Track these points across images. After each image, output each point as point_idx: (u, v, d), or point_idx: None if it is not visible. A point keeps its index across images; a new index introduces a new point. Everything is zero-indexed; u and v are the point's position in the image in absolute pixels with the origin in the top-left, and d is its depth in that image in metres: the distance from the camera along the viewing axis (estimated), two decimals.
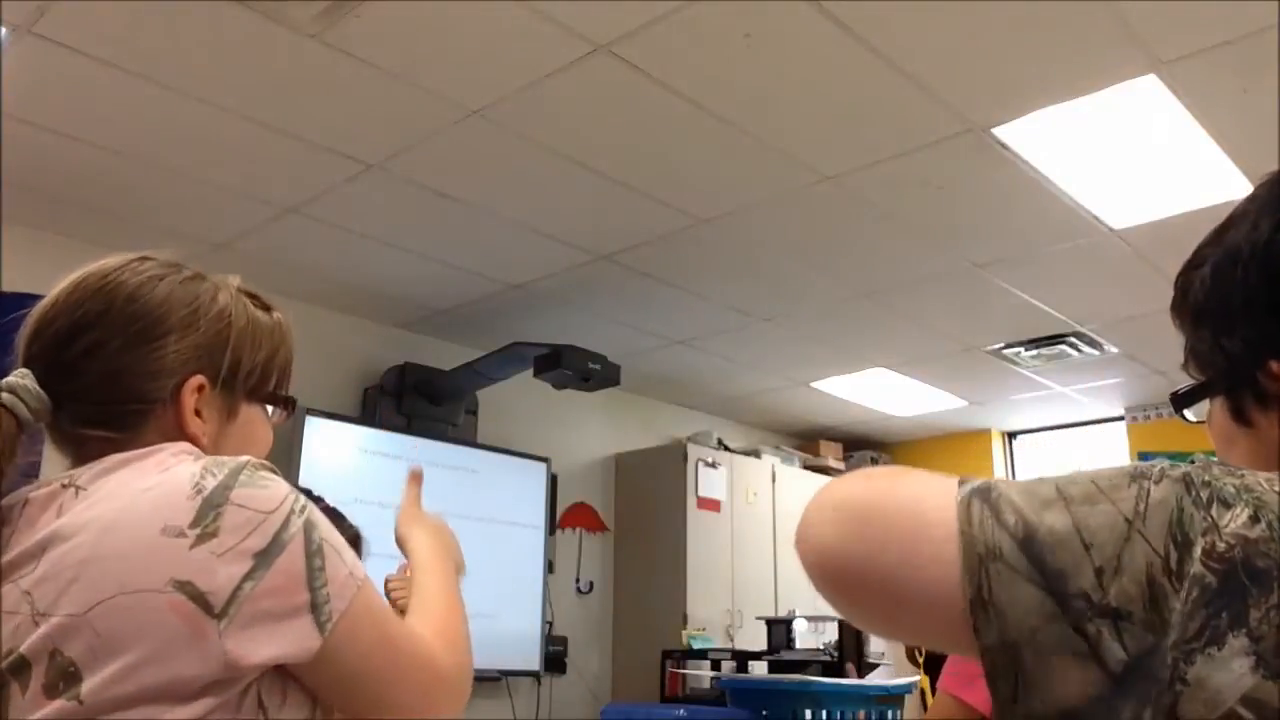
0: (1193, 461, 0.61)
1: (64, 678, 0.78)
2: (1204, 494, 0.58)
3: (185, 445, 0.92)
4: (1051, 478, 0.62)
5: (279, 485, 0.88)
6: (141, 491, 0.84)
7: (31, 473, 0.92)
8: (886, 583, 0.62)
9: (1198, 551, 0.55)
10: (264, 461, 0.90)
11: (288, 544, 0.83)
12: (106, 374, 0.93)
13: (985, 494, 0.61)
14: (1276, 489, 0.58)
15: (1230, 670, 0.53)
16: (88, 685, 0.78)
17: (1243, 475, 0.59)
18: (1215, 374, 0.74)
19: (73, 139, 3.45)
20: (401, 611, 2.01)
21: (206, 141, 3.48)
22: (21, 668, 0.80)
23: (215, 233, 4.16)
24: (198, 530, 0.81)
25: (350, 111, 3.30)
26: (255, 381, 1.03)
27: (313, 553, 0.84)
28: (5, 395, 0.89)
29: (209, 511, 0.82)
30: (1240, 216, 0.72)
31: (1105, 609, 0.56)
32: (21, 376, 0.91)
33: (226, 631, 0.79)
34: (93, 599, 0.79)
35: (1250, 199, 0.73)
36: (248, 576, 0.81)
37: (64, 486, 0.88)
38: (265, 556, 0.82)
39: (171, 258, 1.02)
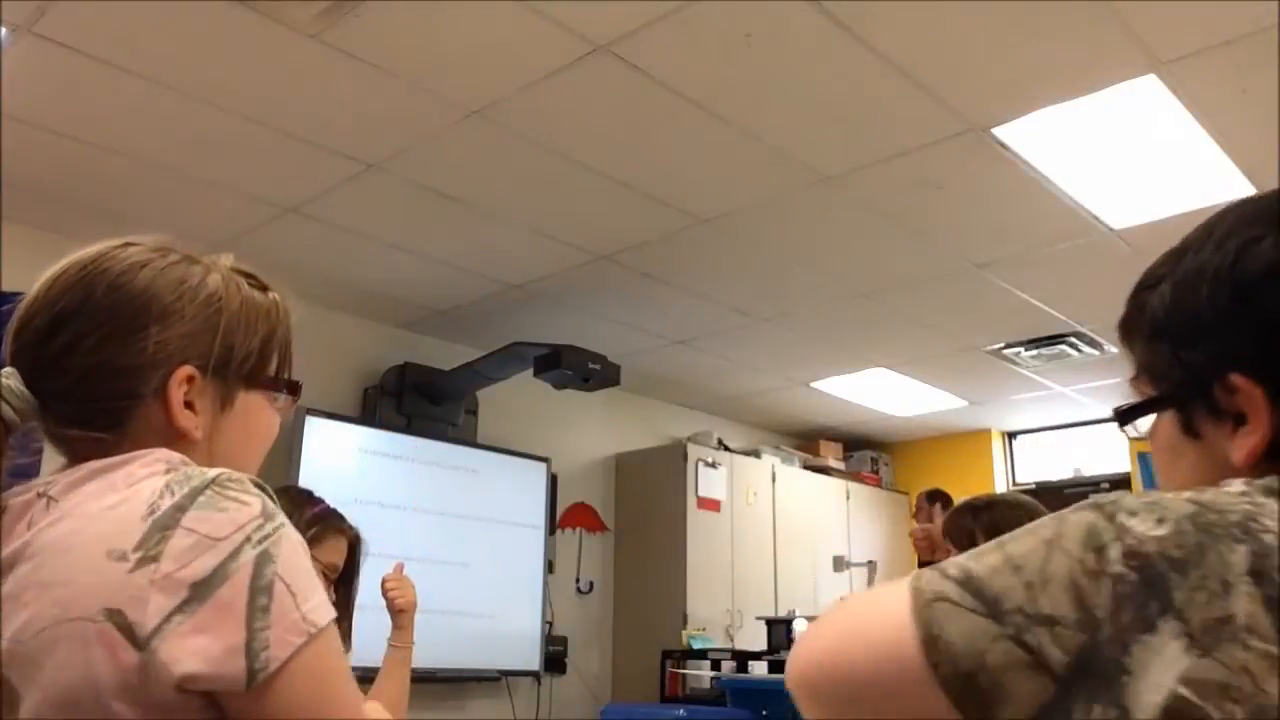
0: None
1: (10, 708, 0.76)
2: (1111, 509, 0.64)
3: (161, 453, 0.86)
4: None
5: (243, 509, 0.79)
6: (100, 511, 0.80)
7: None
8: (850, 657, 0.68)
9: (1114, 554, 0.61)
10: (239, 476, 0.83)
11: (230, 576, 0.75)
12: (88, 370, 0.88)
13: (936, 566, 0.68)
14: (1183, 496, 0.64)
15: (1165, 654, 0.58)
16: (23, 715, 0.75)
17: (1149, 493, 0.65)
18: (1170, 387, 0.77)
19: (73, 139, 3.45)
20: (399, 611, 2.00)
21: (206, 141, 3.48)
22: None
23: (215, 233, 4.16)
24: (140, 554, 0.76)
25: (350, 111, 3.30)
26: (252, 367, 0.96)
27: (259, 588, 0.76)
28: None
29: (155, 534, 0.76)
30: (1198, 240, 0.77)
31: (1040, 617, 0.61)
32: (6, 376, 0.87)
33: (149, 663, 0.73)
34: (37, 626, 0.76)
35: (1210, 222, 0.77)
36: (179, 609, 0.74)
37: (38, 495, 0.84)
38: (202, 588, 0.75)
39: (160, 240, 0.99)
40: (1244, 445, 0.70)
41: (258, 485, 0.83)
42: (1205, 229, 0.77)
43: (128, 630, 0.74)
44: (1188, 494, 0.64)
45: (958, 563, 0.67)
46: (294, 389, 1.01)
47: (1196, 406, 0.74)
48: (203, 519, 0.78)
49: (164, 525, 0.77)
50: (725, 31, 2.87)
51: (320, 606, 0.80)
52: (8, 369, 0.89)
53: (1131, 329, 0.82)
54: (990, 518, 2.10)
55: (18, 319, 0.91)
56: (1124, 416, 0.82)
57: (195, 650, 0.74)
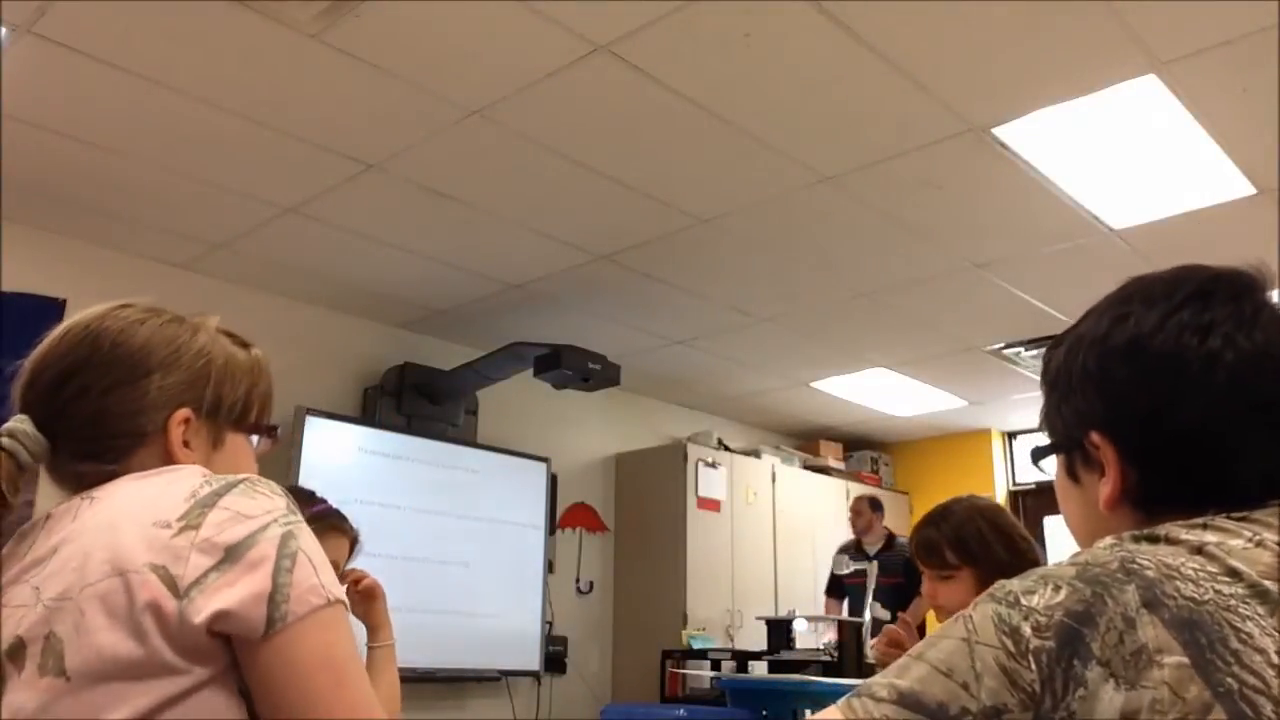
0: None
1: (54, 655, 0.83)
2: (1008, 598, 0.71)
3: (196, 468, 0.98)
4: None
5: (272, 500, 0.92)
6: (143, 496, 0.92)
7: (25, 514, 0.98)
8: None
9: (1027, 632, 0.67)
10: (268, 481, 0.95)
11: (259, 542, 0.87)
12: (96, 413, 1.00)
13: (857, 691, 0.72)
14: (1064, 564, 0.73)
15: (1102, 698, 0.63)
16: (69, 660, 0.83)
17: (1033, 571, 0.73)
18: (1056, 436, 0.88)
19: (73, 139, 3.45)
20: (372, 599, 1.94)
21: (206, 141, 3.48)
22: (18, 649, 0.85)
23: (215, 233, 4.16)
24: (183, 523, 0.87)
25: (350, 111, 3.30)
26: (238, 413, 1.09)
27: (285, 554, 0.87)
28: (5, 440, 0.97)
29: (197, 510, 0.88)
30: (1095, 308, 0.87)
31: (987, 711, 0.66)
32: (20, 421, 0.99)
33: (186, 609, 0.83)
34: (85, 581, 0.85)
35: (1106, 298, 0.87)
36: (215, 567, 0.85)
37: (82, 498, 0.95)
38: (235, 550, 0.86)
39: (152, 303, 1.09)
40: (1102, 493, 0.81)
41: (276, 489, 0.95)
42: (1104, 299, 0.87)
43: (170, 582, 0.84)
44: (1067, 560, 0.74)
45: (883, 683, 0.70)
46: (271, 431, 1.15)
47: (1075, 455, 0.85)
48: (237, 502, 0.90)
49: (204, 504, 0.89)
50: (725, 31, 2.87)
51: (335, 583, 0.90)
52: (20, 415, 1.00)
53: (1041, 381, 0.92)
54: (951, 527, 2.07)
55: (29, 372, 1.03)
56: (1035, 456, 0.92)
57: (225, 596, 0.84)
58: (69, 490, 1.00)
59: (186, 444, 1.03)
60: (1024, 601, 0.69)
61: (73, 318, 1.06)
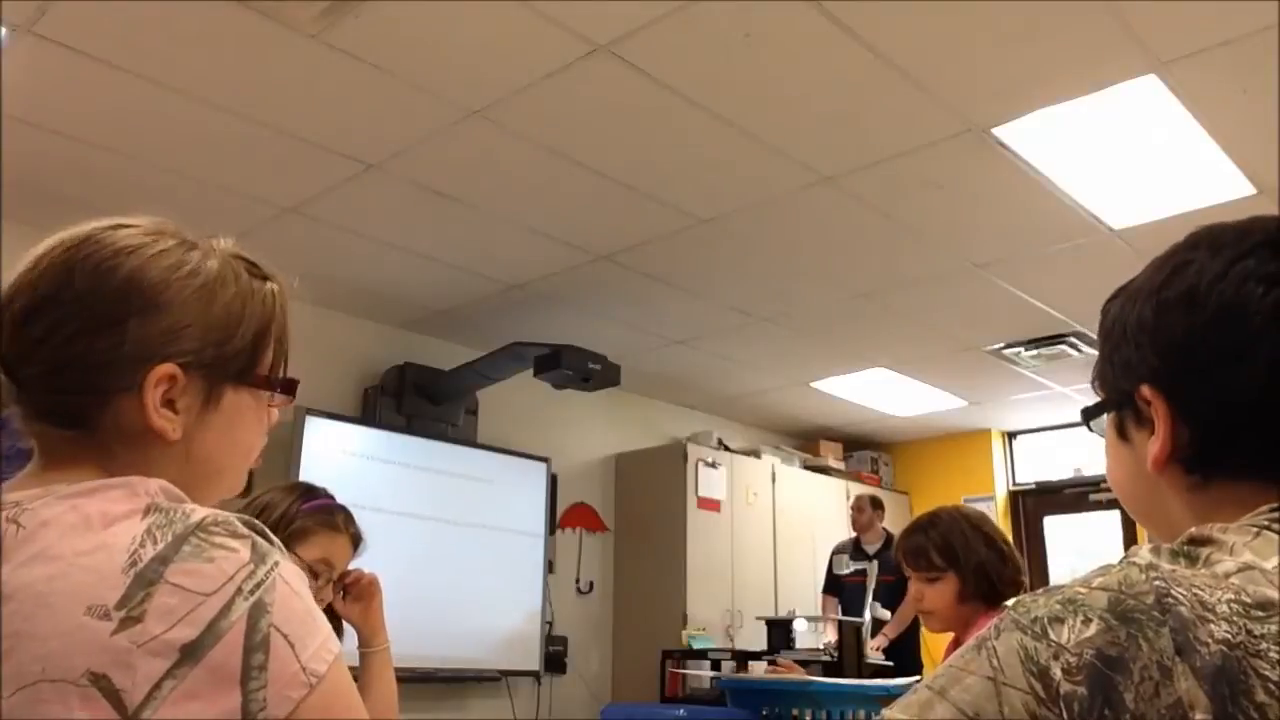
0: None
1: None
2: (1035, 627, 0.65)
3: (137, 484, 0.80)
4: (921, 682, 0.69)
5: (231, 556, 0.74)
6: (76, 557, 0.74)
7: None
8: None
9: (1057, 675, 0.62)
10: (226, 517, 0.77)
11: (224, 634, 0.70)
12: (61, 363, 0.82)
13: None
14: (1094, 585, 0.66)
15: None
16: None
17: (1059, 590, 0.67)
18: (1108, 392, 0.83)
19: (73, 139, 3.45)
20: (372, 598, 1.91)
21: (206, 141, 3.48)
22: None
23: (215, 233, 4.15)
24: (123, 613, 0.70)
25: (350, 111, 3.30)
26: (242, 364, 0.89)
27: (254, 645, 0.71)
28: None
29: (139, 591, 0.71)
30: (1157, 259, 0.82)
31: None
32: None
33: None
34: (17, 683, 0.71)
35: (1174, 245, 0.82)
36: (169, 674, 0.69)
37: (9, 520, 0.77)
38: (193, 650, 0.69)
39: (158, 222, 0.93)
40: (1150, 451, 0.76)
41: (246, 523, 0.78)
42: (1171, 246, 0.81)
43: (114, 697, 0.69)
44: (1098, 580, 0.66)
45: None
46: (289, 387, 0.94)
47: (1126, 412, 0.80)
48: (189, 571, 0.72)
49: (148, 580, 0.71)
50: (725, 31, 2.87)
51: (321, 649, 0.75)
52: None
53: (1098, 335, 0.86)
54: (939, 533, 2.20)
55: (1, 299, 0.86)
56: (1086, 415, 0.87)
57: (187, 715, 0.69)
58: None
59: (172, 404, 0.84)
60: (1051, 634, 0.64)
61: (59, 234, 0.89)
